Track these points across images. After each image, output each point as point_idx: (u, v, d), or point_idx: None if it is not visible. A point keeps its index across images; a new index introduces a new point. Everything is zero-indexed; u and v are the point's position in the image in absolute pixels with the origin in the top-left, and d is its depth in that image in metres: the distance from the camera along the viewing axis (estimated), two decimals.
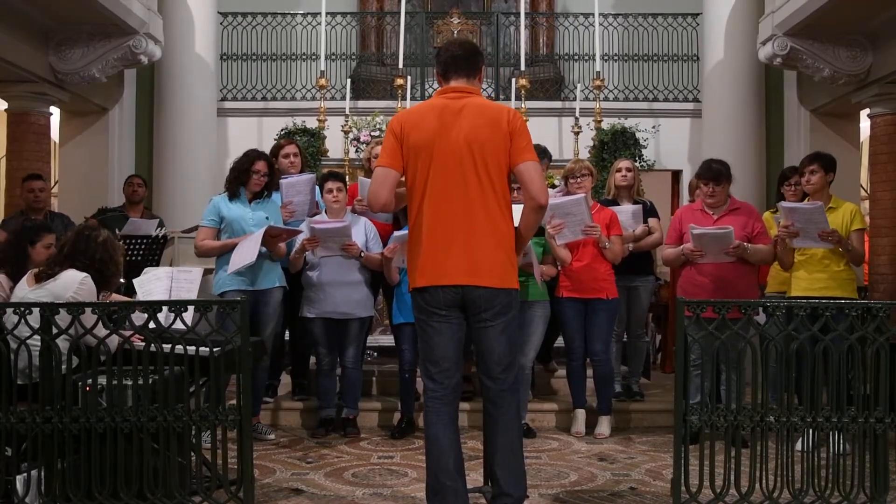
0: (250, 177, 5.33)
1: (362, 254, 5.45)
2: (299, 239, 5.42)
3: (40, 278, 4.15)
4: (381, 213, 5.76)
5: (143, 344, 3.79)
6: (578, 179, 5.59)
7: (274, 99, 9.70)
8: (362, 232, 5.56)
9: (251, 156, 5.39)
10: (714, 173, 5.30)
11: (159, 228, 6.66)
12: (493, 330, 3.55)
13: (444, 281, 3.50)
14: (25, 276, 4.26)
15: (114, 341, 3.75)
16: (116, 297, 4.58)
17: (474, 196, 3.49)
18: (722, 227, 5.18)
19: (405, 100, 8.63)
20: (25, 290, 4.18)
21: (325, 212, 5.61)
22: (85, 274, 4.14)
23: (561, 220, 5.34)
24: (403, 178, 3.62)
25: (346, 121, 8.56)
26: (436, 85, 10.07)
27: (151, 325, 3.78)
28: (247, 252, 5.12)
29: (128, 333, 3.80)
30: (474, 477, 4.29)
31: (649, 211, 6.17)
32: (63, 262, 4.17)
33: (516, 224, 3.64)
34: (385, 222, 5.82)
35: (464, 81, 3.63)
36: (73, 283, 4.09)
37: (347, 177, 6.71)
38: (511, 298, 3.57)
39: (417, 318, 3.63)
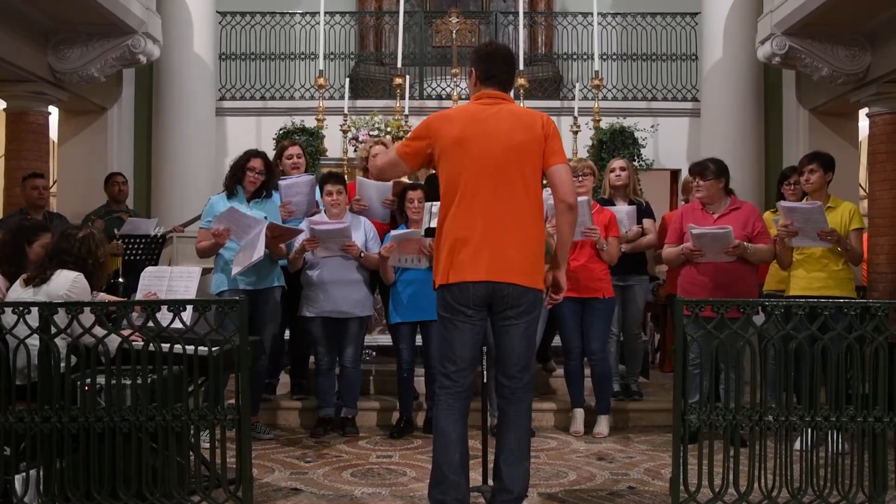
0: (245, 174, 5.33)
1: (362, 254, 5.45)
2: (299, 239, 5.42)
3: (31, 282, 4.15)
4: (378, 213, 5.79)
5: (142, 343, 3.79)
6: (580, 178, 5.59)
7: (272, 98, 9.69)
8: (362, 232, 5.56)
9: (248, 153, 5.41)
10: (699, 167, 5.33)
11: (158, 227, 6.66)
12: (517, 329, 3.60)
13: (473, 276, 3.53)
14: (17, 280, 4.25)
15: (114, 341, 3.74)
16: (107, 296, 4.57)
17: (506, 197, 3.56)
18: (721, 227, 5.18)
19: (404, 99, 8.64)
20: (19, 291, 4.18)
21: (325, 212, 5.61)
22: (78, 273, 4.14)
23: None
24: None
25: (345, 120, 8.57)
26: (434, 84, 10.17)
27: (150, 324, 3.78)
28: (253, 251, 5.10)
29: (127, 333, 3.79)
30: (473, 476, 4.27)
31: (644, 211, 6.16)
32: (50, 265, 4.17)
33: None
34: (382, 221, 5.82)
35: (499, 89, 3.72)
36: (66, 282, 4.09)
37: (346, 176, 6.70)
38: (536, 298, 3.63)
39: (442, 315, 3.65)
